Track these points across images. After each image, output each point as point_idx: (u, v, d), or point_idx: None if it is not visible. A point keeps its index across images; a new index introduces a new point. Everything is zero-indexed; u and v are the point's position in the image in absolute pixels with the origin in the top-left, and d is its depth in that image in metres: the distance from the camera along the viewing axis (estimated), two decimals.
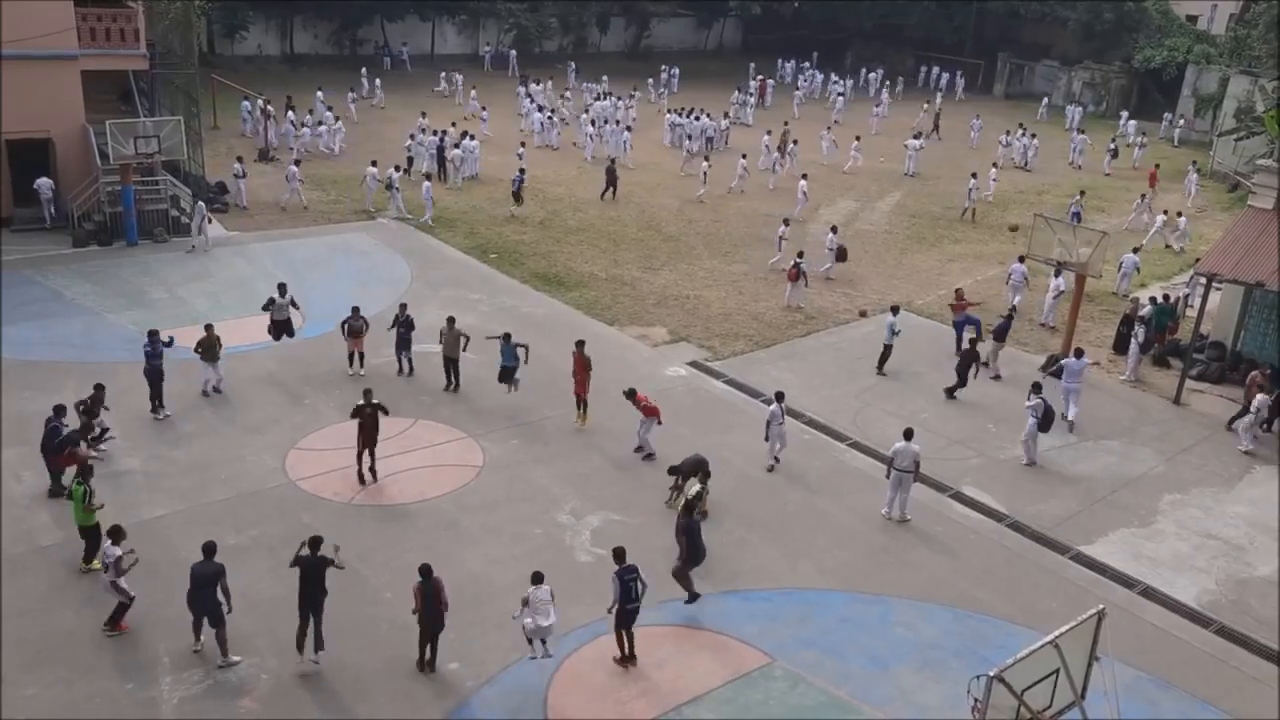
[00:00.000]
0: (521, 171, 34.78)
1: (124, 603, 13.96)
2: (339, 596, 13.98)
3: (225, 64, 51.47)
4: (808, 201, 35.60)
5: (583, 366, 20.08)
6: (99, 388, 17.98)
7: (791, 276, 27.17)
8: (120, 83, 32.91)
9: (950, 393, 22.53)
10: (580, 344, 20.24)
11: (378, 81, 50.37)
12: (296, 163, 34.19)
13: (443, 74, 53.91)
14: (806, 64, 66.72)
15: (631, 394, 19.10)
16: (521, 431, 19.99)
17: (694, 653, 14.30)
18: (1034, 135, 47.30)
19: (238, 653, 13.58)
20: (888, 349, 23.48)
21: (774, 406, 18.99)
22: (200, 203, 28.97)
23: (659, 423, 19.03)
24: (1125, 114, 55.57)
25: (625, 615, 13.72)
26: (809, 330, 25.93)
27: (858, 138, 44.52)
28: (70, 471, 16.05)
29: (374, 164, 33.77)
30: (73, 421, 17.17)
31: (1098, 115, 58.26)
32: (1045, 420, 19.56)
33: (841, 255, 29.52)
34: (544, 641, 13.39)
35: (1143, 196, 37.32)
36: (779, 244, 29.91)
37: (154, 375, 19.38)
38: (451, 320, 21.36)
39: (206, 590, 13.32)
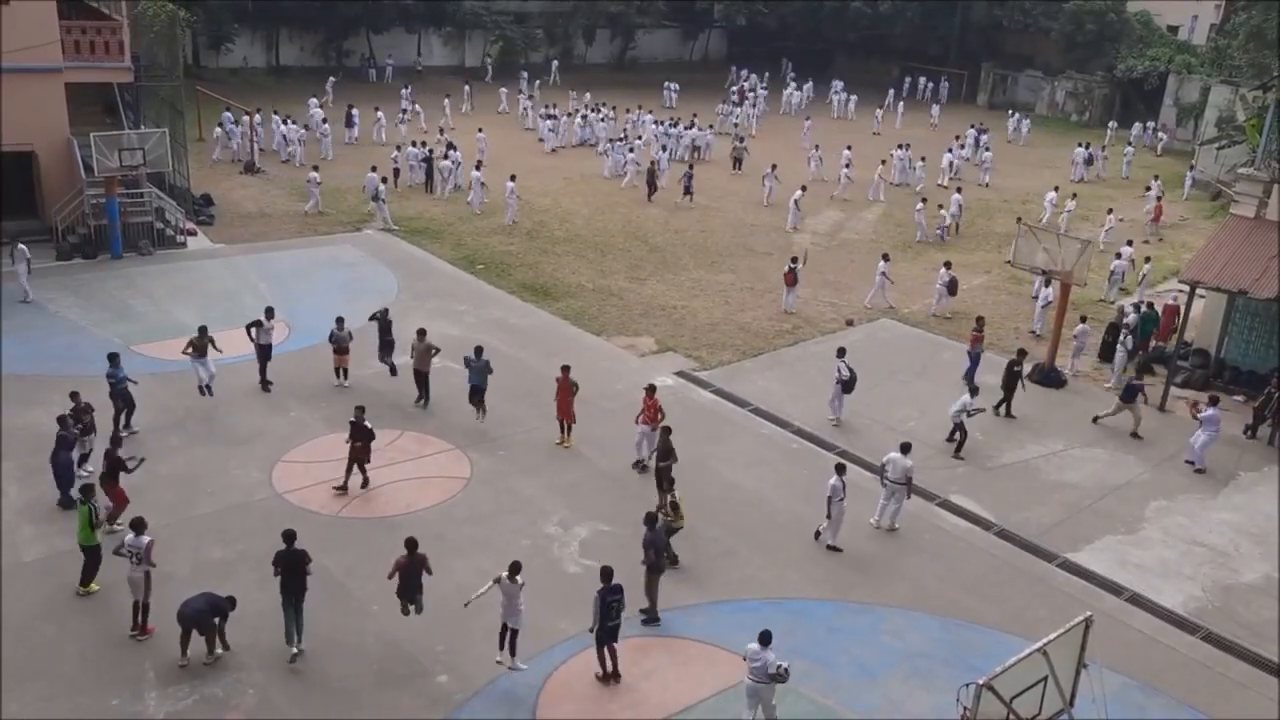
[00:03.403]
0: (690, 167, 39.17)
1: (139, 602, 13.88)
2: (326, 609, 13.93)
3: (211, 76, 51.34)
4: (927, 228, 35.31)
5: (567, 391, 19.57)
6: (75, 395, 17.80)
7: (788, 281, 27.35)
8: (105, 95, 32.78)
9: (1006, 410, 22.42)
10: (565, 369, 19.74)
11: (469, 90, 50.00)
12: (375, 169, 33.93)
13: (466, 86, 52.92)
14: (759, 75, 64.34)
15: (651, 390, 19.23)
16: (509, 443, 19.94)
17: (682, 663, 14.28)
18: (988, 148, 45.83)
19: (226, 666, 13.53)
20: (962, 430, 20.55)
21: (834, 480, 16.85)
22: (21, 246, 25.05)
23: (652, 430, 18.70)
24: (1114, 124, 56.04)
25: (606, 632, 13.70)
26: (796, 339, 25.98)
27: (816, 146, 43.95)
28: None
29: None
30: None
31: (1081, 124, 58.48)
32: (849, 384, 21.12)
33: (952, 289, 27.78)
34: (513, 641, 13.41)
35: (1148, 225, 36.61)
36: (879, 279, 28.21)
37: (122, 397, 18.92)
38: (421, 333, 21.11)
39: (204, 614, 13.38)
